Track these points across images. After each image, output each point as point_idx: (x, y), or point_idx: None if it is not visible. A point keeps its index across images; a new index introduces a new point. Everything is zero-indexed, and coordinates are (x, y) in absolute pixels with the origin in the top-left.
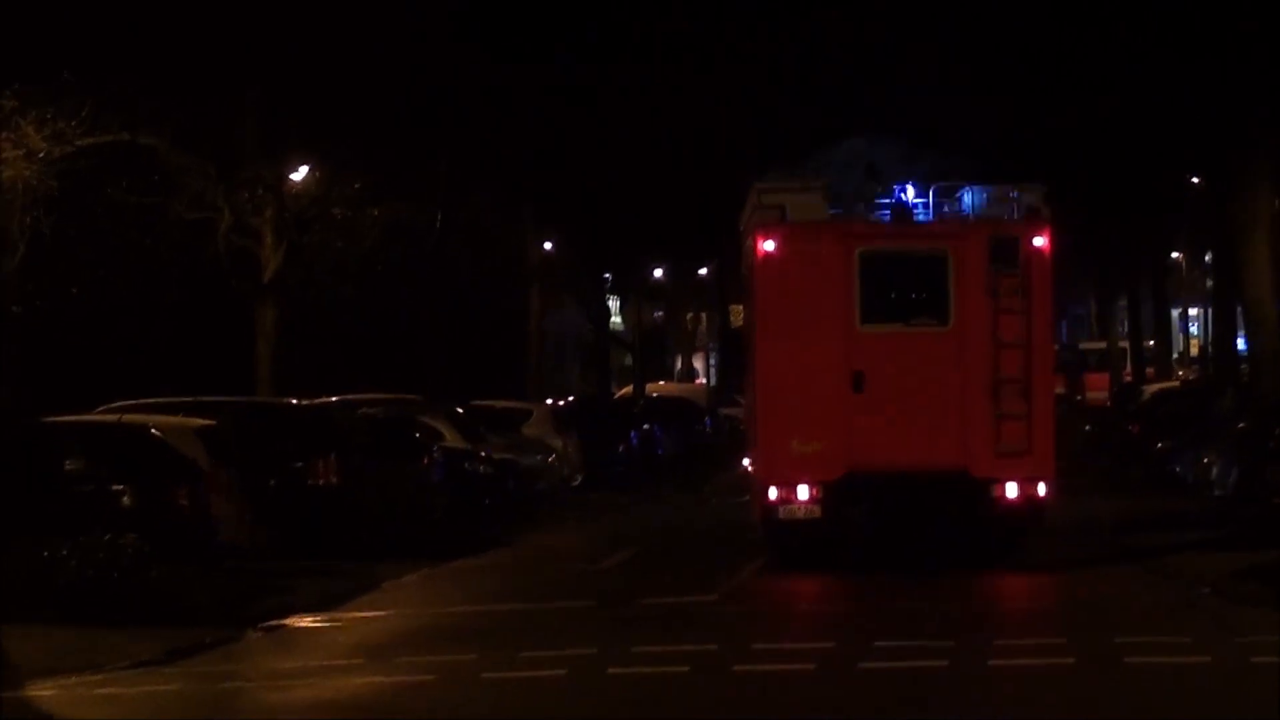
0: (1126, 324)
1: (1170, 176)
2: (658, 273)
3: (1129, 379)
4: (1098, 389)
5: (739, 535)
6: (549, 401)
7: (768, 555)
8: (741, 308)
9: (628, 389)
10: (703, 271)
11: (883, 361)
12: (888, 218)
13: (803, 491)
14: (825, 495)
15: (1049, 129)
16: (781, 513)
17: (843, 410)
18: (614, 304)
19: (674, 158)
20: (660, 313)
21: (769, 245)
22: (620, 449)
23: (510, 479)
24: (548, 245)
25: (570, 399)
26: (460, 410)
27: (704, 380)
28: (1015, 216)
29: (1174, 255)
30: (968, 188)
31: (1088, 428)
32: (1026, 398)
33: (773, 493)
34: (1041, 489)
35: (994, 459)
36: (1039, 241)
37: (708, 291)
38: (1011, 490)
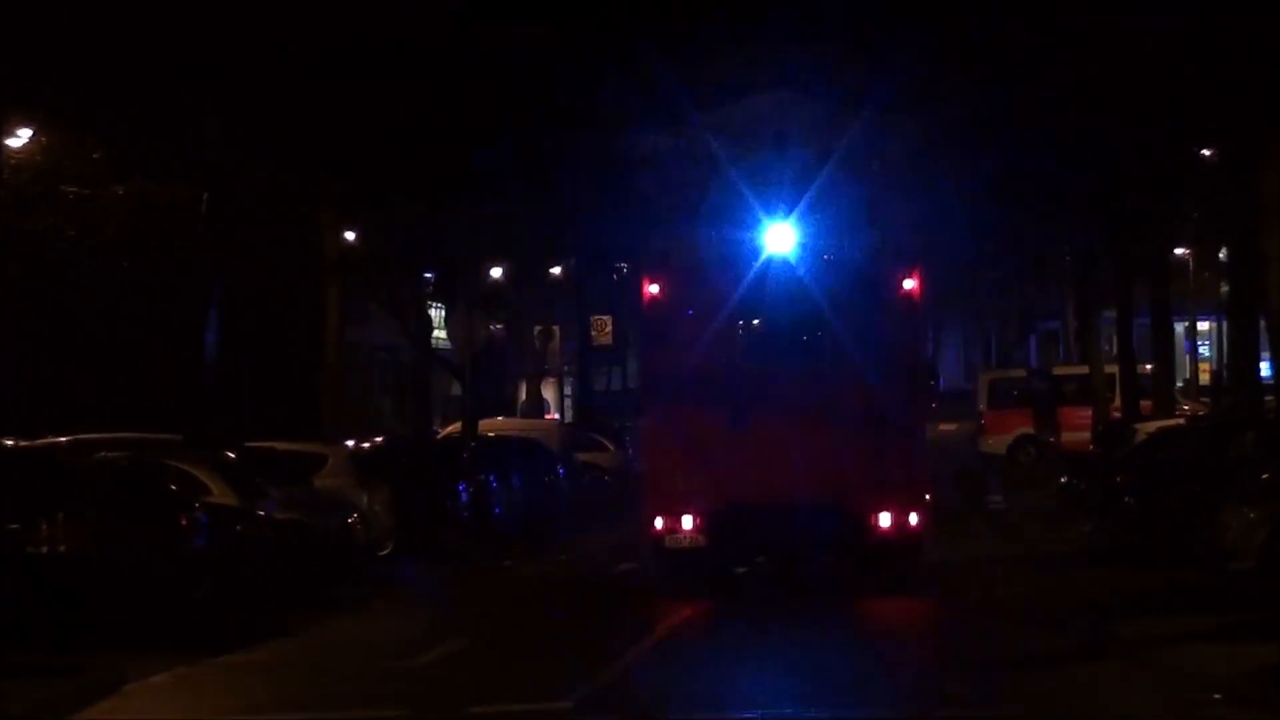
0: (1115, 342)
1: (1174, 150)
2: (496, 273)
3: (1118, 414)
4: (1076, 427)
5: (607, 618)
6: (350, 443)
7: (639, 649)
8: (606, 320)
9: (455, 426)
10: (556, 271)
11: (763, 399)
12: (768, 262)
13: (687, 521)
14: (709, 525)
15: (1014, 92)
16: (668, 542)
17: (725, 445)
18: (437, 313)
19: (523, 117)
20: (499, 326)
21: (654, 289)
22: (446, 506)
23: (297, 546)
24: (350, 235)
25: (379, 439)
26: (231, 454)
27: (556, 415)
28: (886, 261)
29: (1178, 252)
30: (844, 233)
31: (1064, 479)
32: (897, 433)
33: (659, 523)
34: (914, 519)
35: (867, 491)
36: (908, 285)
37: (562, 298)
38: (884, 520)
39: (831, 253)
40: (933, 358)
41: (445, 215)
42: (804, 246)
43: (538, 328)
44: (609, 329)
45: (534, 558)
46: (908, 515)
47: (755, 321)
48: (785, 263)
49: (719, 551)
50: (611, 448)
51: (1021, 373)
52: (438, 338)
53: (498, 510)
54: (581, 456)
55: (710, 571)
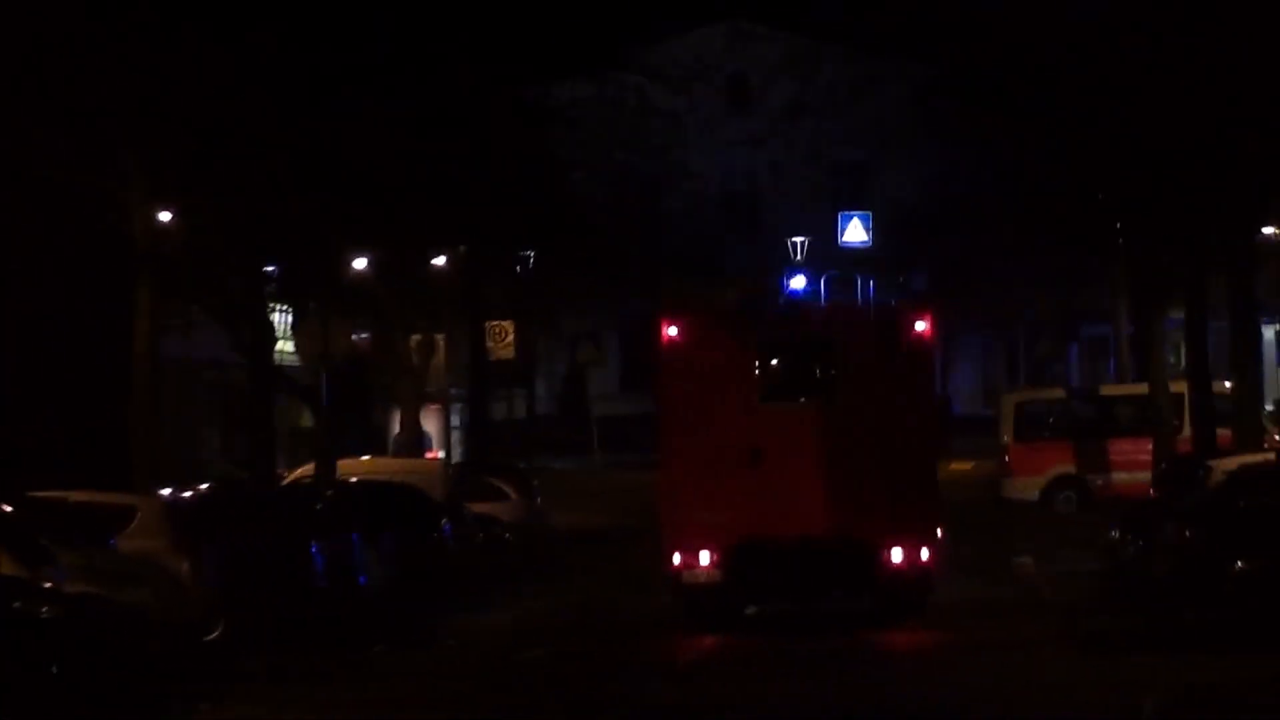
0: (1183, 353)
1: (1258, 100)
2: (359, 265)
3: (1186, 448)
4: (1132, 465)
5: None
6: (167, 491)
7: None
8: (507, 327)
9: (307, 468)
10: (440, 262)
11: (778, 437)
12: (783, 306)
13: (704, 557)
14: (725, 561)
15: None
16: (685, 578)
17: (742, 482)
18: (282, 319)
19: (396, 52)
20: (363, 335)
21: (673, 331)
22: (294, 574)
23: (95, 629)
24: (165, 216)
25: (204, 486)
26: (7, 507)
27: (441, 453)
28: (899, 302)
29: (1267, 231)
30: (857, 276)
31: (1114, 534)
32: (909, 469)
33: (676, 558)
34: (925, 554)
35: (880, 526)
36: (920, 326)
37: (448, 297)
38: (897, 555)
39: (845, 295)
40: (943, 389)
41: (291, 188)
42: (818, 289)
43: (415, 337)
44: (510, 338)
45: (412, 642)
46: (919, 550)
47: (771, 361)
48: (799, 305)
49: (735, 587)
50: (514, 496)
51: (1059, 393)
52: (282, 351)
53: (363, 579)
54: (475, 508)
55: (727, 608)
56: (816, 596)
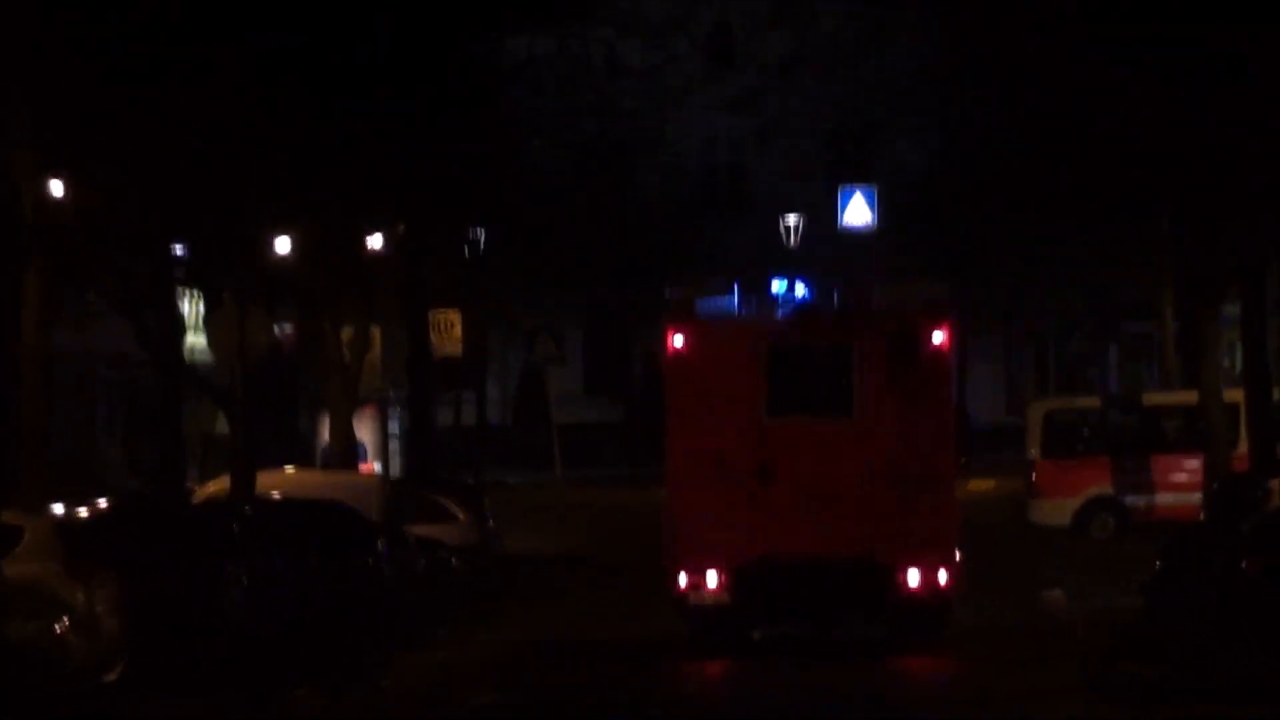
0: (1239, 354)
1: None
2: (282, 246)
3: (1242, 465)
4: (1179, 485)
5: None
6: (59, 508)
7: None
8: (454, 317)
9: (221, 482)
10: (375, 244)
11: (789, 452)
12: (793, 314)
13: (712, 579)
14: (734, 582)
15: None
16: (692, 599)
17: (751, 500)
18: (193, 308)
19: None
20: (288, 327)
21: (678, 340)
22: (206, 604)
23: None
24: (58, 189)
25: (103, 502)
26: None
27: (377, 465)
28: (917, 312)
29: None
30: (873, 285)
31: (1158, 563)
32: (926, 487)
33: (683, 580)
34: (943, 577)
35: (895, 547)
36: (939, 337)
37: (385, 284)
38: (914, 578)
39: (860, 303)
40: (960, 399)
41: (203, 157)
42: (832, 297)
43: (347, 330)
44: (457, 331)
45: (341, 684)
46: (937, 573)
47: (782, 372)
48: (814, 313)
49: (745, 609)
50: (462, 516)
51: (1094, 402)
52: (194, 346)
53: (285, 611)
54: (416, 530)
55: (735, 631)
56: (828, 620)
